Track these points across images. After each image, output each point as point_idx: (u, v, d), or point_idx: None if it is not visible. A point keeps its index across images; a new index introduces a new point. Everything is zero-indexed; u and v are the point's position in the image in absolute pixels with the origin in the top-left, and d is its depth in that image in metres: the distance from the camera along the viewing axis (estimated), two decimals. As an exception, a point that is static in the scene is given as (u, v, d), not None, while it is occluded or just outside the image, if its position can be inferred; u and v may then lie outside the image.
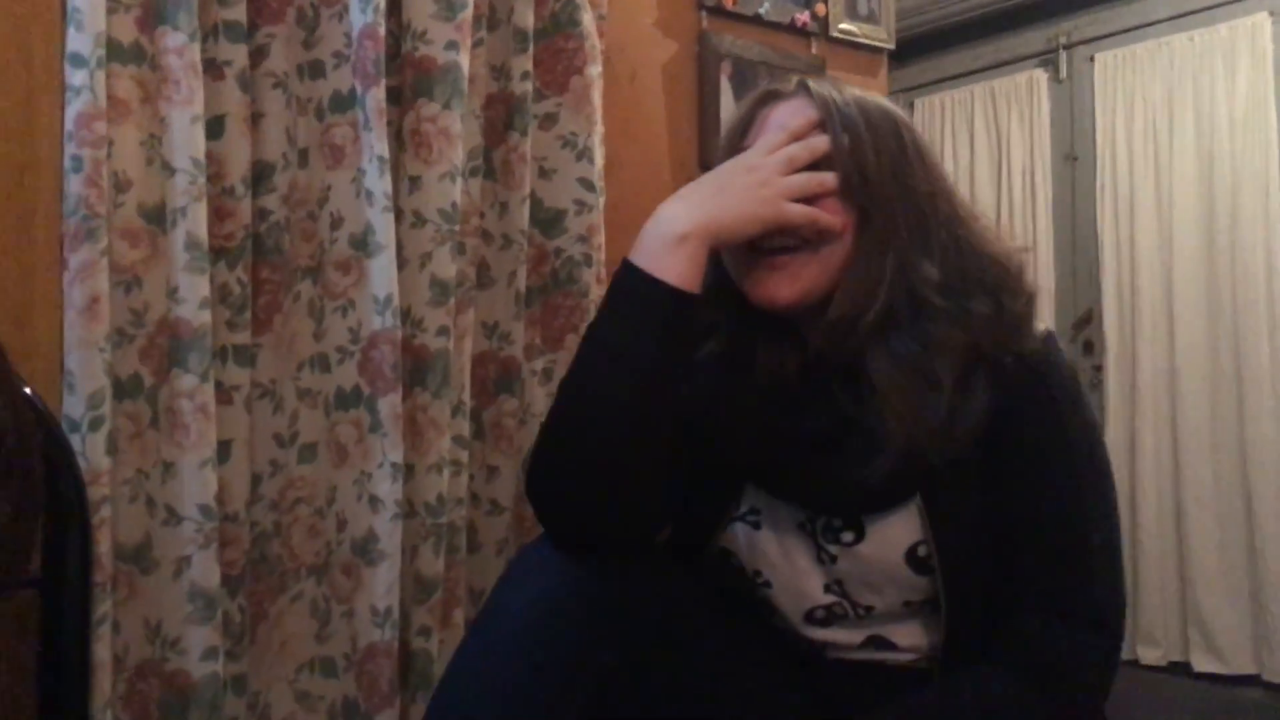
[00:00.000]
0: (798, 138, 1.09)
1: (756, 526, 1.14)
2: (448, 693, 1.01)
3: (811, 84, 1.11)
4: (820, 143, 1.07)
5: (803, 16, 1.97)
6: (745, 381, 1.12)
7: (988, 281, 1.07)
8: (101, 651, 1.23)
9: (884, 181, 1.06)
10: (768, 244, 1.07)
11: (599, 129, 1.67)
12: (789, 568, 1.12)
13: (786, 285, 1.07)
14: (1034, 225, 3.62)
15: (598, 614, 1.00)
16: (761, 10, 1.92)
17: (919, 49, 3.77)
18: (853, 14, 2.04)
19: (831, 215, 1.06)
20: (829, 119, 1.08)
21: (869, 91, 1.14)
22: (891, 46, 2.11)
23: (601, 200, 1.67)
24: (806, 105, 1.10)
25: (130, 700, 1.30)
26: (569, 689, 0.98)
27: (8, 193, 1.26)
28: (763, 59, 1.92)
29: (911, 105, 3.93)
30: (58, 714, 1.22)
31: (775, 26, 1.95)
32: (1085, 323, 3.52)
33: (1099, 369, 3.46)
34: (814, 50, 2.00)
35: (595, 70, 1.66)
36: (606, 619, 1.00)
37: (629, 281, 1.04)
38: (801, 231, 1.06)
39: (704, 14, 1.88)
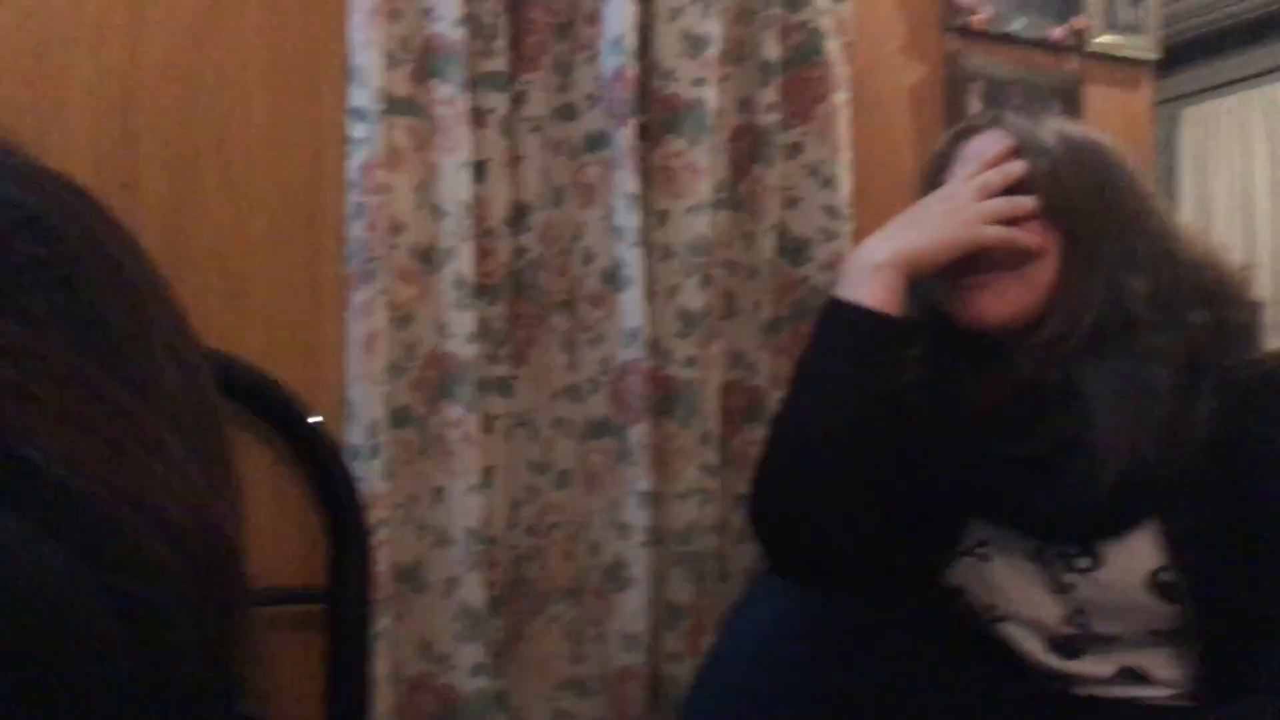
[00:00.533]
0: (992, 165, 1.10)
1: (986, 559, 1.12)
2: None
3: (1004, 116, 1.14)
4: (1015, 168, 1.09)
5: (1059, 31, 1.90)
6: (958, 411, 1.11)
7: (1205, 293, 1.05)
8: (380, 665, 1.32)
9: (1087, 201, 1.06)
10: (974, 271, 1.08)
11: (845, 156, 1.66)
12: (1024, 599, 1.09)
13: (995, 304, 1.08)
14: (1319, 238, 3.34)
15: (827, 641, 1.02)
16: (1014, 28, 1.86)
17: (1187, 56, 3.54)
18: (1113, 24, 1.94)
19: (1032, 237, 1.06)
20: (1024, 145, 1.09)
21: (1071, 122, 1.16)
22: (1156, 57, 2.00)
23: (849, 228, 1.66)
24: (1001, 135, 1.12)
25: (405, 712, 1.39)
26: (801, 715, 0.99)
27: (298, 240, 1.39)
28: (1016, 78, 1.86)
29: (1175, 117, 3.70)
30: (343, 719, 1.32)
31: (1029, 44, 1.89)
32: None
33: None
34: (1071, 66, 1.92)
35: (840, 98, 1.66)
36: (836, 646, 1.02)
37: (830, 310, 1.10)
38: (1001, 254, 1.07)
39: (952, 35, 1.84)
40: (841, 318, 1.09)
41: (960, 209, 1.08)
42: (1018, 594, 1.10)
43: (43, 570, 0.38)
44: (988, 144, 1.13)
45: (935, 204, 1.11)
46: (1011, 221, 1.07)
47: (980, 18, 1.84)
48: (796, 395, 1.10)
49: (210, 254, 1.34)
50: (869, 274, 1.08)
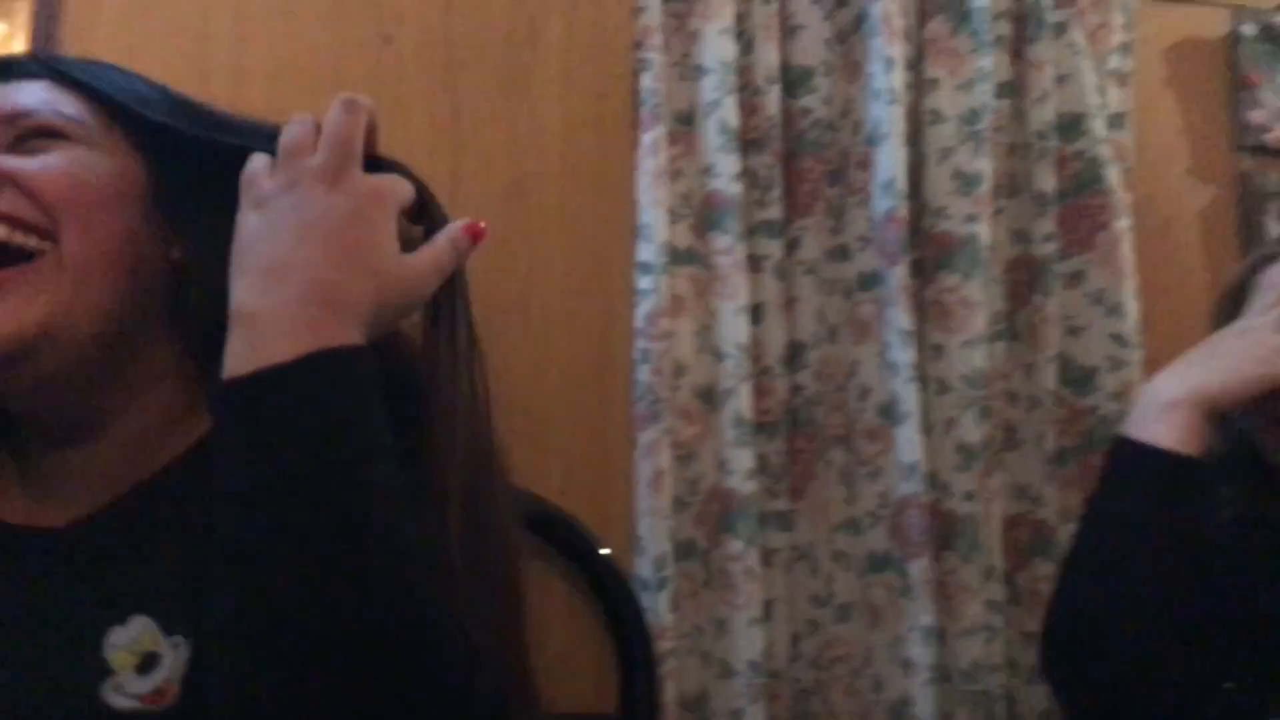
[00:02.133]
0: None
1: None
2: None
3: None
4: None
5: (1364, 142, 1.79)
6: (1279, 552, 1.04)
7: None
8: (668, 792, 1.37)
9: None
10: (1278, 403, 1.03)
11: (1131, 282, 1.62)
12: None
13: None
14: None
15: None
16: (1312, 142, 1.78)
17: None
18: None
19: None
20: None
21: None
22: None
23: (1138, 355, 1.61)
24: None
25: (692, 840, 1.42)
26: None
27: (591, 384, 1.51)
28: (1317, 194, 1.76)
29: None
30: None
31: (1330, 157, 1.79)
32: None
33: None
34: (1380, 176, 1.80)
35: (1123, 224, 1.63)
36: None
37: (1122, 451, 1.06)
38: None
39: (1243, 155, 1.77)
40: (1134, 458, 1.05)
41: (1259, 343, 1.04)
42: None
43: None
44: None
45: (1232, 338, 1.07)
46: None
47: (1275, 135, 1.76)
48: (1089, 536, 1.07)
49: (515, 401, 1.47)
50: (1161, 413, 1.04)
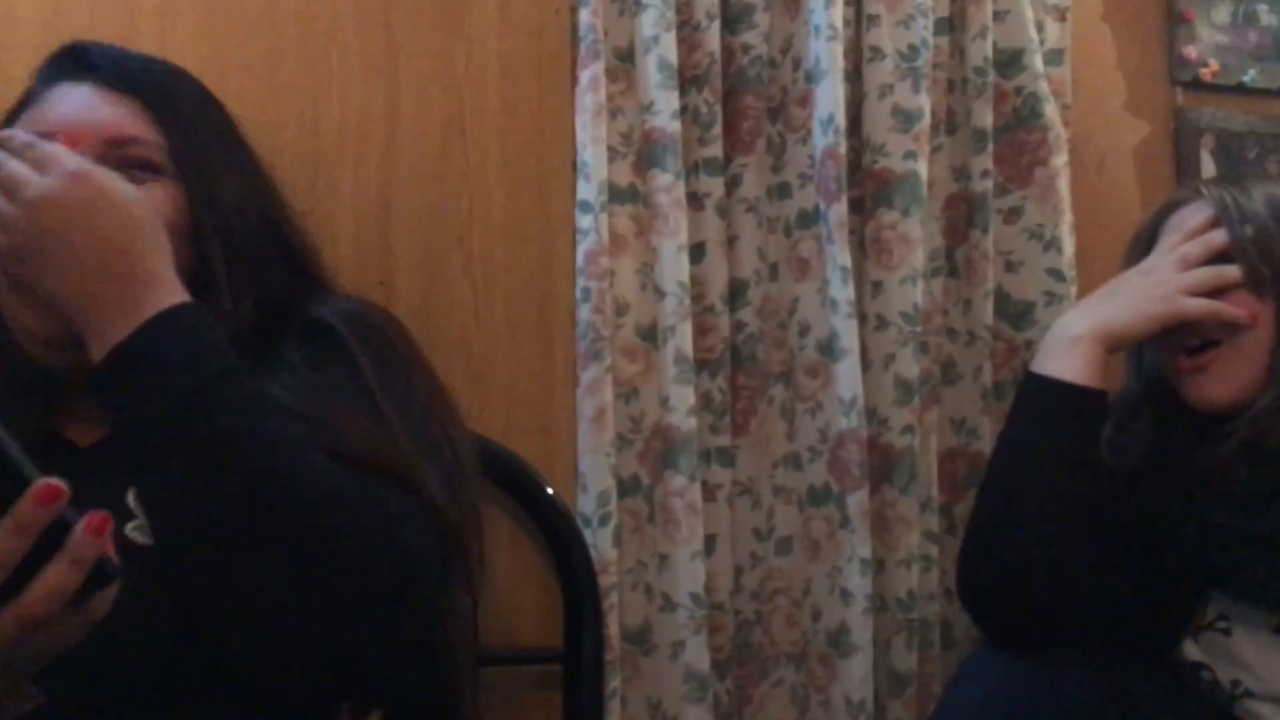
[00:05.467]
0: (1194, 236, 1.10)
1: (1228, 633, 1.09)
2: None
3: (1206, 186, 1.13)
4: (1217, 237, 1.09)
5: (1298, 76, 1.82)
6: (1187, 481, 1.09)
7: None
8: (613, 722, 1.40)
9: None
10: (1187, 343, 1.09)
11: (1067, 218, 1.65)
12: (1272, 673, 1.05)
13: (1217, 386, 1.08)
14: None
15: (1041, 708, 1.01)
16: (1246, 78, 1.80)
17: None
18: (1358, 67, 1.84)
19: (1240, 307, 1.06)
20: (1224, 214, 1.09)
21: None
22: None
23: (1073, 290, 1.63)
24: (1204, 206, 1.12)
25: (636, 769, 1.46)
26: None
27: (532, 325, 1.51)
28: (1250, 129, 1.79)
29: None
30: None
31: (1264, 94, 1.81)
32: None
33: None
34: (1312, 112, 1.83)
35: (1060, 160, 1.65)
36: (1054, 709, 1.02)
37: (1029, 384, 1.14)
38: (1209, 327, 1.07)
39: (1179, 90, 1.79)
40: (1038, 391, 1.11)
41: (1158, 282, 1.09)
42: (1264, 668, 1.07)
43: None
44: (1190, 215, 1.12)
45: (1135, 277, 1.12)
46: (1218, 293, 1.06)
47: (1209, 70, 1.78)
48: (997, 467, 1.13)
49: (456, 342, 1.48)
50: (1065, 348, 1.11)
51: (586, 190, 1.48)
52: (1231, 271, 1.07)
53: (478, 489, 0.91)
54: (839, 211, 1.52)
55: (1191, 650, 1.11)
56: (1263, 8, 1.84)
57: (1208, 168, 1.76)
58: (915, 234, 1.55)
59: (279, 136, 1.42)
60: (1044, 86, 1.64)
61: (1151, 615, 1.13)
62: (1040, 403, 1.11)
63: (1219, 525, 1.07)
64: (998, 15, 1.63)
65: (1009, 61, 1.64)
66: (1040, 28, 1.66)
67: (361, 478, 0.80)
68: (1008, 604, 1.09)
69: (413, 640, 0.83)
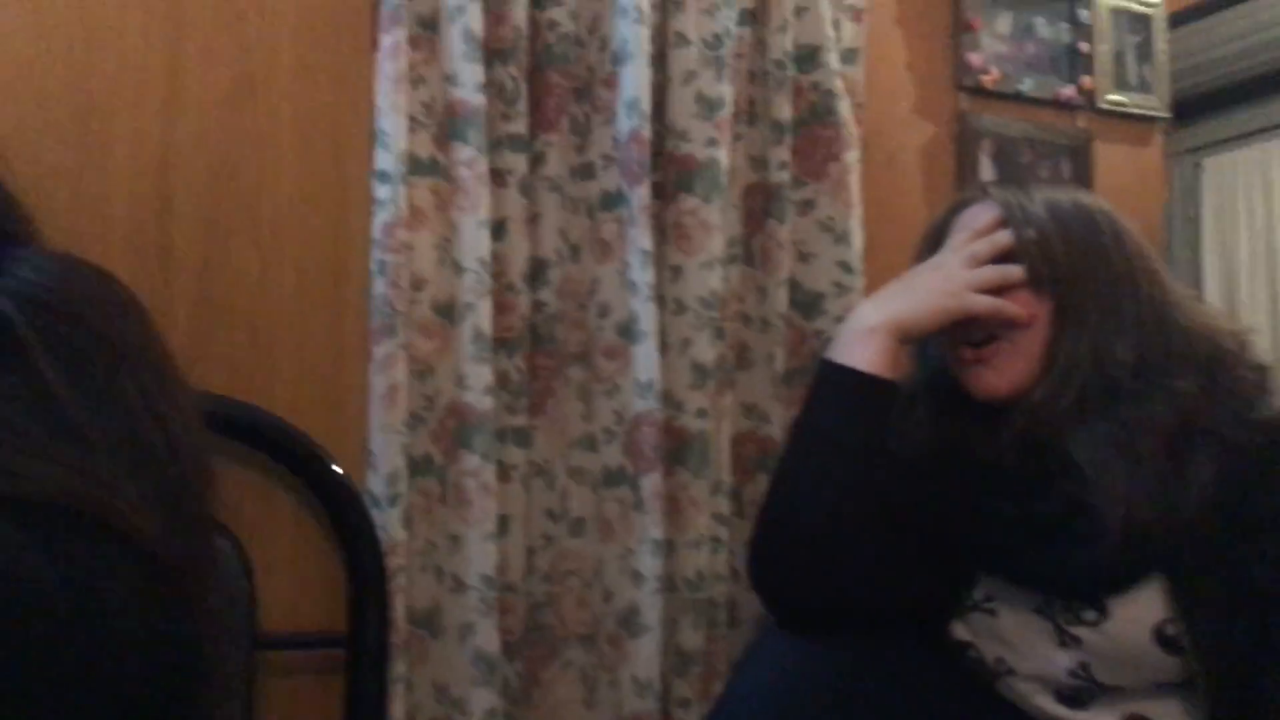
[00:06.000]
0: (981, 235, 1.15)
1: (994, 614, 1.14)
2: None
3: (994, 189, 1.18)
4: (1003, 237, 1.13)
5: (1067, 91, 1.94)
6: (965, 469, 1.14)
7: (1198, 359, 1.08)
8: (397, 709, 1.37)
9: (1072, 268, 1.11)
10: (968, 338, 1.13)
11: (857, 212, 1.71)
12: (1032, 651, 1.12)
13: (996, 378, 1.13)
14: (1347, 288, 3.31)
15: (826, 687, 1.05)
16: (1023, 87, 1.91)
17: (1207, 106, 3.55)
18: (1122, 84, 1.98)
19: (1021, 306, 1.11)
20: (1010, 215, 1.14)
21: (1066, 187, 1.25)
22: (1165, 115, 2.04)
23: (861, 282, 1.70)
24: (991, 206, 1.16)
25: (420, 754, 1.42)
26: None
27: (324, 296, 1.45)
28: (1025, 135, 1.90)
29: (1199, 166, 3.70)
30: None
31: (1038, 103, 1.93)
32: None
33: None
34: (1080, 124, 1.96)
35: (852, 156, 1.71)
36: (835, 692, 1.05)
37: (824, 372, 1.15)
38: (990, 323, 1.11)
39: (962, 95, 1.89)
40: (833, 379, 1.14)
41: (948, 278, 1.13)
42: (1025, 646, 1.12)
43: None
44: (978, 215, 1.17)
45: (926, 272, 1.16)
46: (1001, 290, 1.11)
47: (991, 77, 1.88)
48: (791, 453, 1.15)
49: (241, 312, 1.40)
50: (860, 338, 1.14)
51: (385, 160, 1.43)
52: (1015, 271, 1.12)
53: (208, 499, 0.75)
54: (642, 195, 1.52)
55: (960, 630, 1.16)
56: (1040, 20, 1.95)
57: (986, 170, 1.86)
58: (715, 221, 1.57)
59: (46, 79, 1.31)
60: (839, 84, 1.69)
61: (926, 597, 1.18)
62: (835, 390, 1.14)
63: (991, 510, 1.13)
64: (798, 11, 1.68)
65: (807, 57, 1.69)
66: (837, 26, 1.72)
67: (36, 528, 0.63)
68: (796, 586, 1.12)
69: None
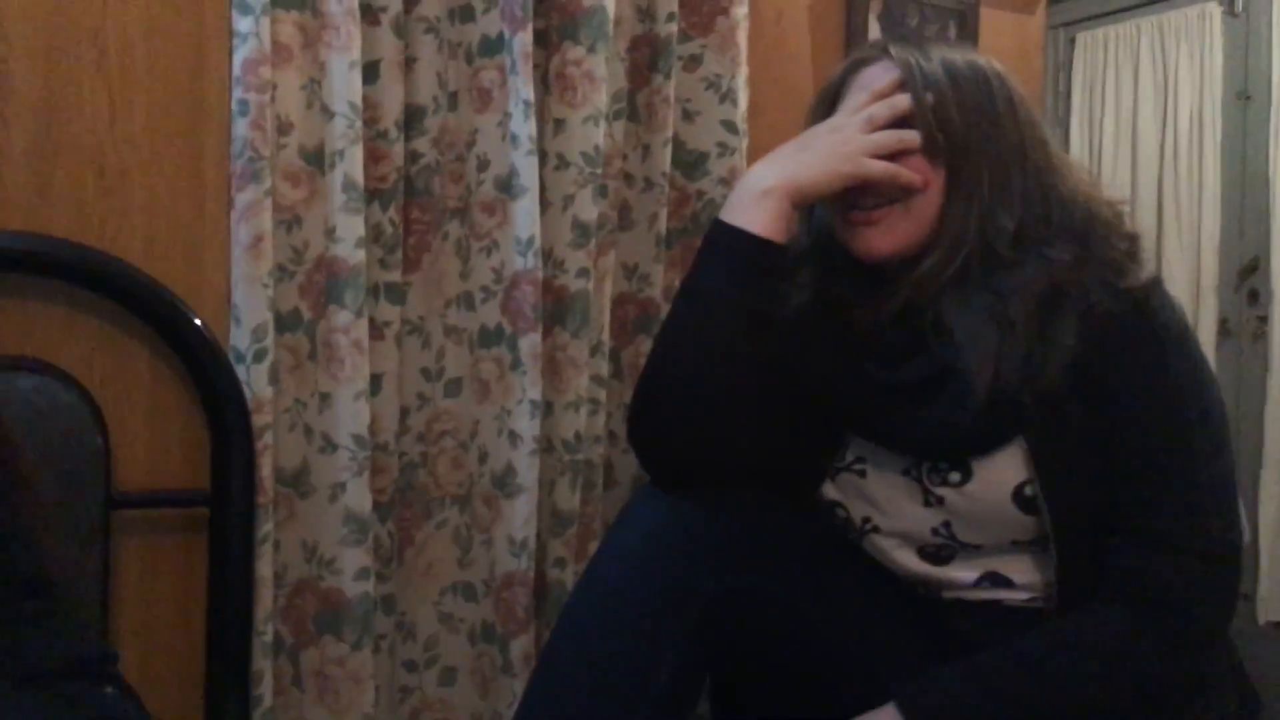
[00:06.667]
0: (880, 98, 1.12)
1: (863, 475, 1.17)
2: (562, 628, 1.10)
3: (894, 48, 1.14)
4: (901, 101, 1.11)
5: (957, -48, 1.91)
6: (843, 334, 1.15)
7: (1075, 228, 1.10)
8: (264, 568, 1.33)
9: (967, 136, 1.09)
10: (860, 202, 1.12)
11: (743, 71, 1.67)
12: (898, 511, 1.15)
13: (882, 239, 1.12)
14: (1200, 167, 3.43)
15: (698, 544, 1.08)
16: (913, -53, 1.87)
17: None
18: (1010, -51, 1.97)
19: (916, 171, 1.10)
20: (910, 79, 1.11)
21: (962, 48, 1.17)
22: (1051, -17, 2.03)
23: (745, 143, 1.67)
24: (891, 67, 1.13)
25: (289, 614, 1.40)
26: (672, 618, 1.05)
27: (180, 137, 1.34)
28: (913, -2, 1.88)
29: (1073, 41, 3.76)
30: (225, 622, 1.32)
31: (927, -36, 1.90)
32: (1251, 271, 3.34)
33: (1264, 319, 3.29)
34: (968, -13, 1.94)
35: (741, 12, 1.66)
36: (707, 548, 1.08)
37: (716, 233, 1.13)
38: (885, 187, 1.10)
39: (853, -47, 1.84)
40: (725, 241, 1.12)
41: (845, 141, 1.11)
42: (891, 506, 1.16)
43: None
44: (877, 76, 1.14)
45: (823, 135, 1.13)
46: (897, 155, 1.10)
47: (882, -65, 1.84)
48: (677, 313, 1.13)
49: (86, 148, 1.29)
50: (755, 200, 1.11)
51: (246, -11, 1.32)
52: (912, 136, 1.10)
53: None
54: (524, 40, 1.45)
55: (830, 490, 1.19)
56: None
57: (874, 30, 1.83)
58: (600, 72, 1.51)
59: None
60: (730, -66, 1.63)
61: (798, 457, 1.20)
62: (724, 252, 1.12)
63: (865, 375, 1.14)
64: None
65: (698, -98, 1.61)
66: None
67: None
68: (672, 445, 1.12)
69: None
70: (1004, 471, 1.09)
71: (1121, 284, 1.07)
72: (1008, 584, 1.13)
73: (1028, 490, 1.08)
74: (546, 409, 1.51)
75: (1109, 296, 1.06)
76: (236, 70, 1.33)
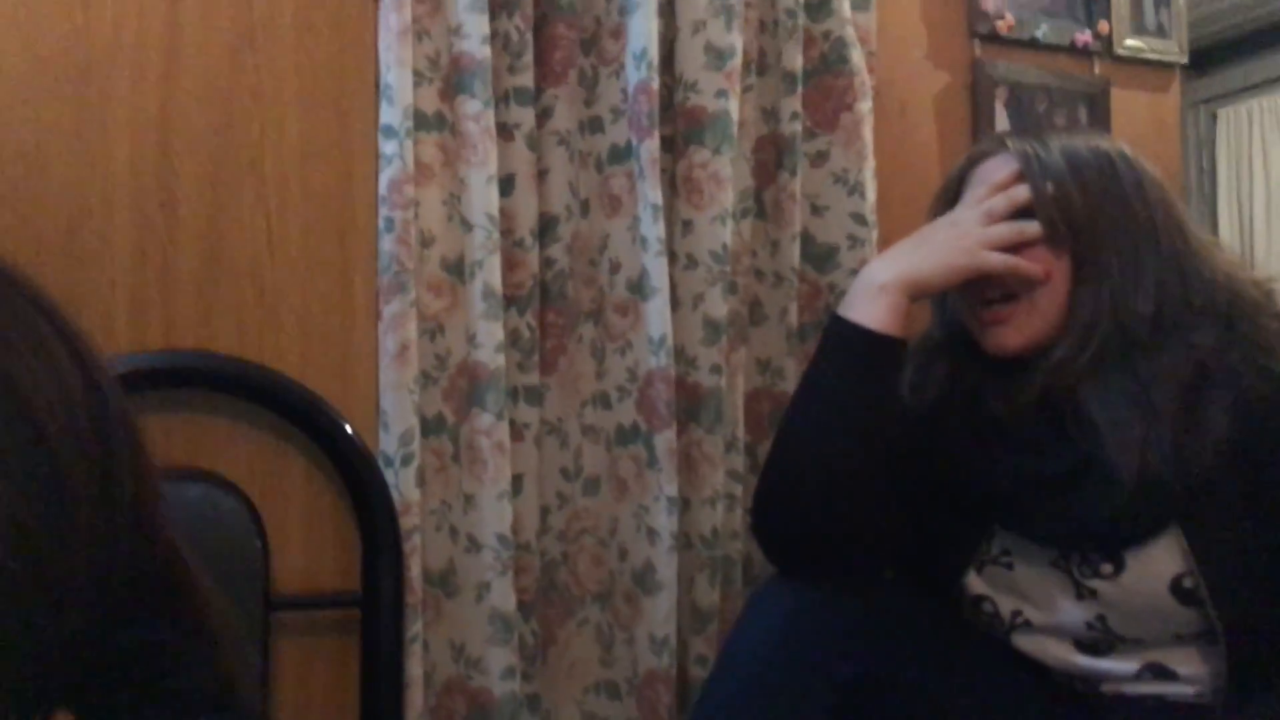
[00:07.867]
0: (999, 190, 1.12)
1: (1010, 567, 1.14)
2: (701, 715, 1.10)
3: (1011, 140, 1.15)
4: (1020, 193, 1.11)
5: (1084, 36, 1.90)
6: (982, 424, 1.13)
7: (1219, 310, 1.07)
8: (414, 668, 1.36)
9: (1091, 223, 1.09)
10: (986, 295, 1.12)
11: (870, 164, 1.68)
12: (1049, 604, 1.12)
13: (1011, 336, 1.12)
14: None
15: (831, 628, 1.07)
16: (1039, 33, 1.87)
17: (1222, 56, 3.51)
18: (1139, 29, 1.94)
19: (1039, 262, 1.09)
20: (1028, 169, 1.11)
21: (1087, 133, 1.17)
22: (1183, 61, 2.00)
23: (875, 234, 1.67)
24: (1009, 159, 1.14)
25: (439, 713, 1.42)
26: (810, 702, 1.04)
27: (331, 254, 1.43)
28: (1041, 83, 1.87)
29: (1215, 116, 3.66)
30: (376, 721, 1.35)
31: (1054, 49, 1.89)
32: None
33: None
34: (1097, 70, 1.92)
35: (865, 106, 1.67)
36: (841, 633, 1.07)
37: (834, 329, 1.14)
38: (1006, 281, 1.10)
39: (977, 42, 1.85)
40: (843, 336, 1.13)
41: (963, 235, 1.11)
42: (1043, 599, 1.12)
43: None
44: (996, 168, 1.15)
45: (941, 229, 1.14)
46: (1017, 247, 1.09)
47: (1005, 23, 1.85)
48: (797, 408, 1.14)
49: (246, 270, 1.39)
50: (872, 295, 1.12)
51: (391, 115, 1.41)
52: (1032, 227, 1.10)
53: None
54: (651, 147, 1.50)
55: (975, 583, 1.15)
56: (1056, -37, 1.91)
57: (1001, 119, 1.83)
58: (725, 173, 1.55)
59: (41, 43, 1.29)
60: (851, 32, 1.66)
61: (939, 549, 1.17)
62: (841, 348, 1.13)
63: (1006, 466, 1.12)
64: (808, -43, 1.64)
65: (818, 5, 1.65)
66: (848, -28, 1.68)
67: None
68: (795, 534, 1.12)
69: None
70: (1160, 562, 1.05)
71: (1274, 365, 1.03)
72: (1172, 676, 1.08)
73: (1186, 582, 1.03)
74: (684, 505, 1.52)
75: (1260, 378, 1.02)
76: (382, 190, 1.41)
